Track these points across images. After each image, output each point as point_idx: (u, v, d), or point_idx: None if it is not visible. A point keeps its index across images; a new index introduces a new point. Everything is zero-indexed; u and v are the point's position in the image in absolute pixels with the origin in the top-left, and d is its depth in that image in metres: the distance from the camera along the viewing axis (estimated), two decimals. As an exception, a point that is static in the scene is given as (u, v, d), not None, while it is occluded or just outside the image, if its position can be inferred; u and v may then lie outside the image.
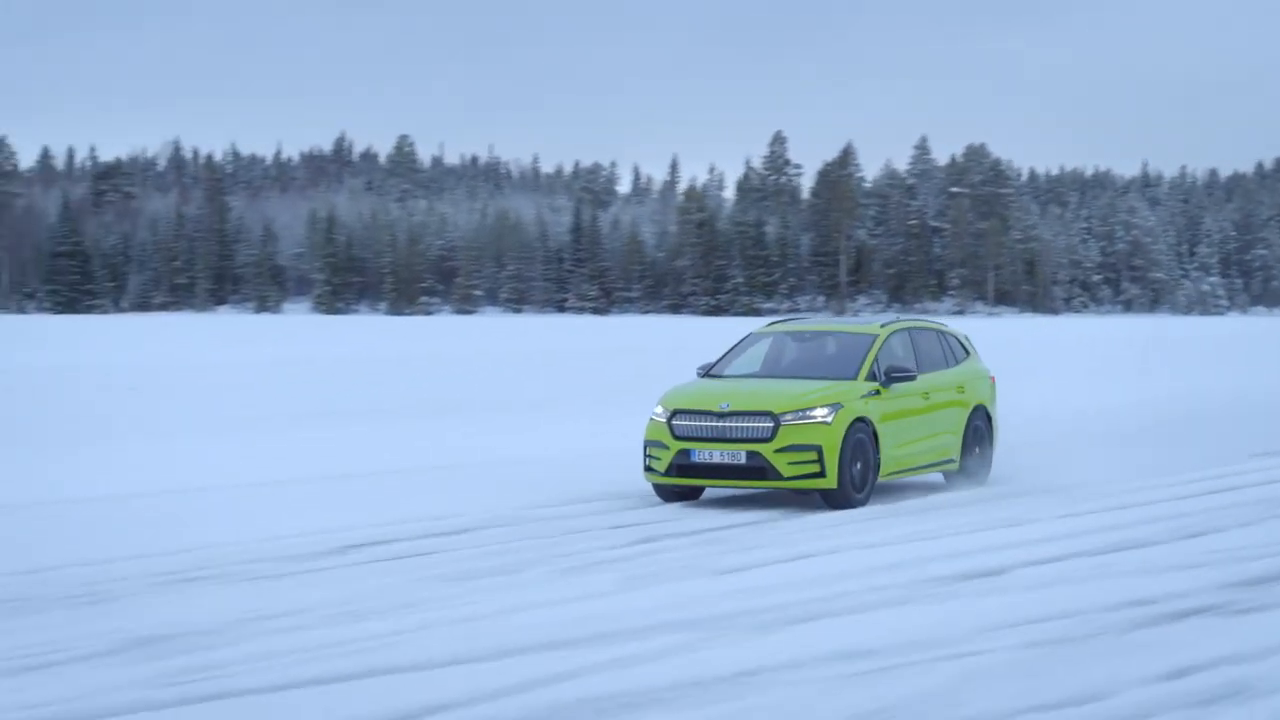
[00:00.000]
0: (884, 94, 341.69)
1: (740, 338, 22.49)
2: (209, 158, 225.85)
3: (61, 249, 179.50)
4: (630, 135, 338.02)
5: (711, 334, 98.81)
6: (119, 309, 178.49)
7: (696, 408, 19.38)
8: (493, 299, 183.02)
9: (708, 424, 19.21)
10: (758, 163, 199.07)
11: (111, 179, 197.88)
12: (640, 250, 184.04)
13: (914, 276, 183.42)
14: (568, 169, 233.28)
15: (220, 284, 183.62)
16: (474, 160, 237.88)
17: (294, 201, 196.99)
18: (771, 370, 20.97)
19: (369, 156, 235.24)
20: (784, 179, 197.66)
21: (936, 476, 22.36)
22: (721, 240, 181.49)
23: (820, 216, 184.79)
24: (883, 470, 19.94)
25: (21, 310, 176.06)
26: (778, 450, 18.97)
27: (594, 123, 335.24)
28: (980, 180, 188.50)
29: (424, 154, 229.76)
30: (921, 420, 20.81)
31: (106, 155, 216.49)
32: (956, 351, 22.34)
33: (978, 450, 22.01)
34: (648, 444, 19.73)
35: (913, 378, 20.45)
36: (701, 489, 20.49)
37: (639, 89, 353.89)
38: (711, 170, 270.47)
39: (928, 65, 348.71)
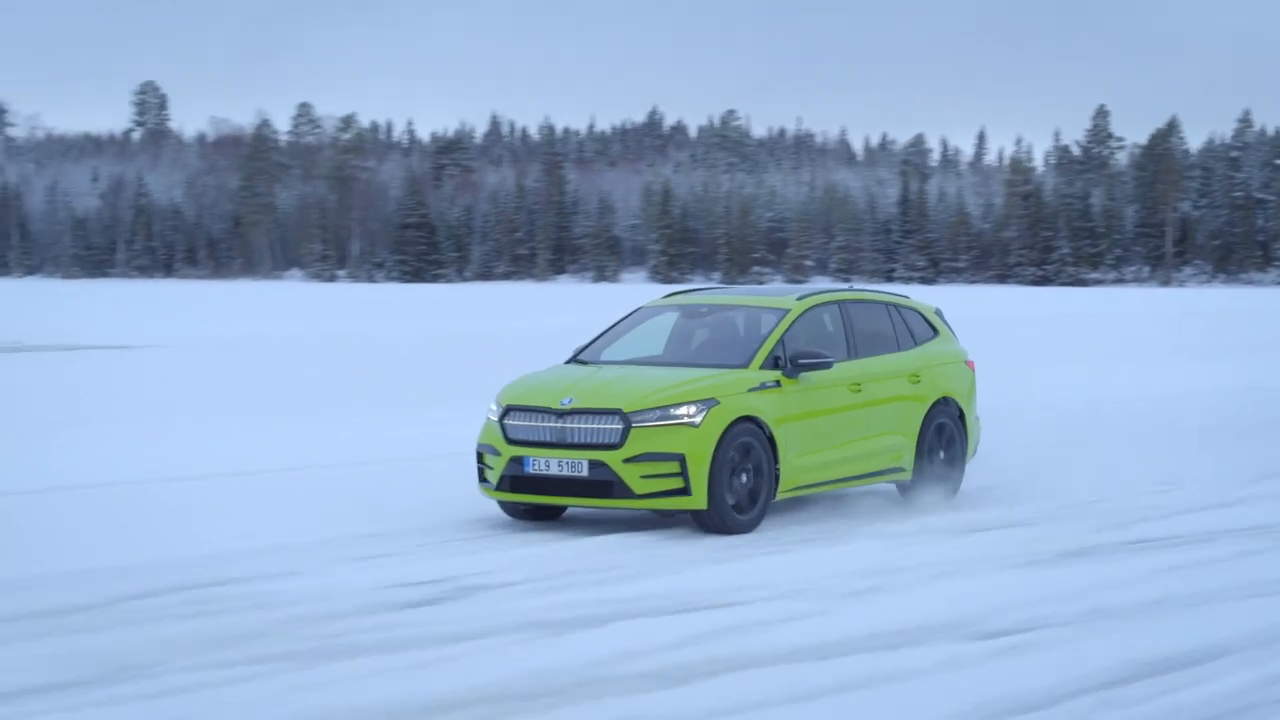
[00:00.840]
0: (1206, 66, 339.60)
1: (630, 311, 18.27)
2: (523, 131, 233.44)
3: (409, 221, 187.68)
4: (934, 106, 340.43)
5: (1038, 303, 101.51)
6: (462, 278, 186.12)
7: (533, 403, 15.67)
8: (823, 269, 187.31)
9: (544, 424, 15.50)
10: (1072, 135, 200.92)
11: (451, 153, 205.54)
12: (966, 221, 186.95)
13: (1239, 248, 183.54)
14: (874, 141, 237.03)
15: (559, 254, 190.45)
16: (782, 132, 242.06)
17: (625, 174, 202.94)
18: (654, 354, 17.21)
19: (680, 129, 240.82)
20: (1106, 151, 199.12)
21: (885, 487, 18.44)
22: (1047, 212, 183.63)
23: (1144, 189, 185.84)
24: (783, 484, 15.95)
25: (370, 279, 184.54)
26: (628, 460, 15.18)
27: (897, 93, 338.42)
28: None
29: (720, 125, 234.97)
30: (848, 419, 16.77)
31: (422, 130, 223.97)
32: (916, 330, 18.15)
33: (941, 455, 17.80)
34: (479, 450, 16.00)
35: (828, 365, 16.27)
36: (564, 506, 16.30)
37: (942, 60, 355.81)
38: (1019, 142, 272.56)
39: (1247, 38, 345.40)
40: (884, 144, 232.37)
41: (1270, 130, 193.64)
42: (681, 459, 15.21)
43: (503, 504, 16.23)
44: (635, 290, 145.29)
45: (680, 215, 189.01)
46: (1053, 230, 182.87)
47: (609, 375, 16.06)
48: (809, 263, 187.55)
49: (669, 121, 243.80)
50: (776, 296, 17.22)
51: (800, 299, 17.06)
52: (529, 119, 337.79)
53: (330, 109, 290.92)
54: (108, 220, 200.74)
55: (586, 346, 17.38)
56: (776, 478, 15.91)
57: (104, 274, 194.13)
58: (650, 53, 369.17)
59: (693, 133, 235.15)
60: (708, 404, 15.46)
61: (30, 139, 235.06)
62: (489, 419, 16.03)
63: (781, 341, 16.39)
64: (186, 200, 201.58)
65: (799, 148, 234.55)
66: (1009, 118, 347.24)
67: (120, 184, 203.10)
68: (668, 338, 17.41)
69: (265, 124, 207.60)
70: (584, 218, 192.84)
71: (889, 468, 17.32)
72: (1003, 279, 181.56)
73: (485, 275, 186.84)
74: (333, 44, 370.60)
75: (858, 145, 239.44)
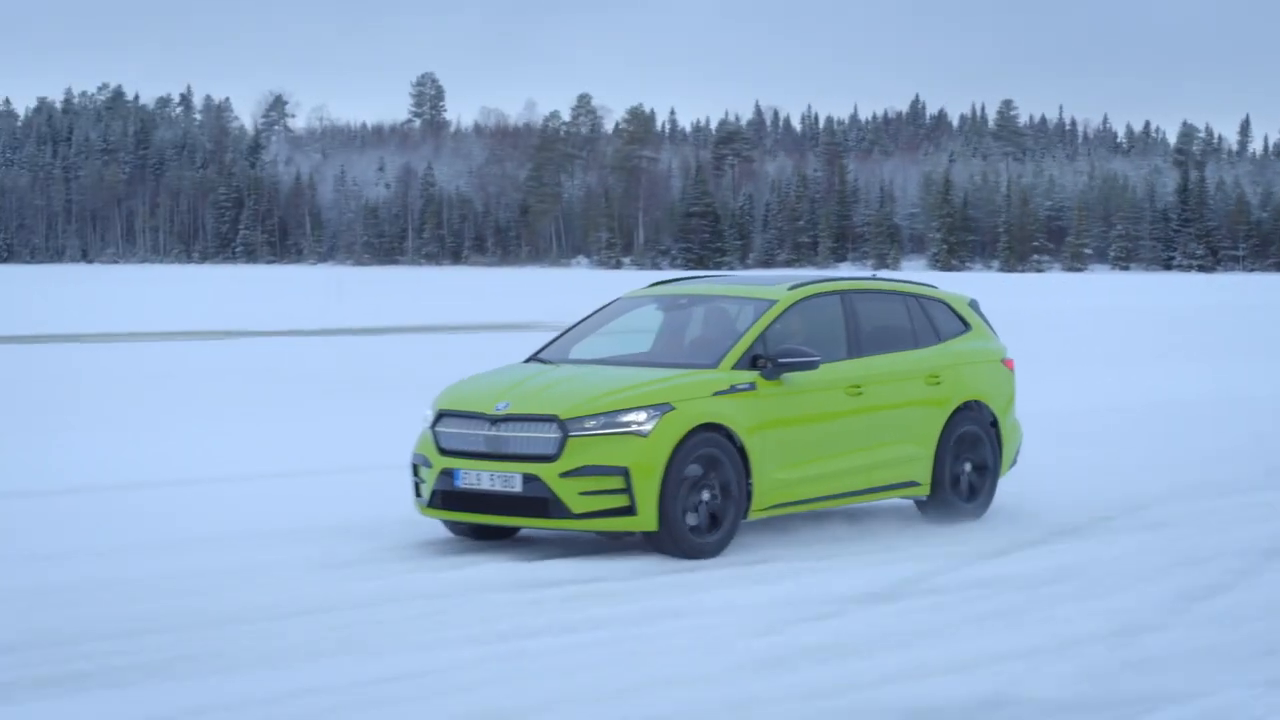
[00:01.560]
0: None
1: (607, 302, 16.04)
2: (786, 120, 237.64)
3: (693, 209, 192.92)
4: (1194, 93, 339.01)
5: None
6: (745, 265, 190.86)
7: (467, 409, 13.70)
8: (1101, 257, 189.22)
9: (477, 432, 13.51)
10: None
11: (731, 143, 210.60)
12: (1245, 209, 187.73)
13: None
14: (1136, 127, 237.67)
15: (840, 242, 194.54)
16: (1043, 120, 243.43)
17: (902, 164, 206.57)
18: (623, 353, 15.03)
19: (941, 118, 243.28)
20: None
21: (900, 502, 15.98)
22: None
23: None
24: (757, 503, 13.79)
25: (656, 265, 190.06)
26: (565, 474, 13.11)
27: (1155, 80, 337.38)
28: None
29: (993, 115, 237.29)
30: (844, 426, 14.52)
31: (683, 119, 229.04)
32: (941, 324, 15.76)
33: (968, 469, 15.41)
34: (413, 462, 14.09)
35: (813, 364, 13.99)
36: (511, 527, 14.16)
37: (1202, 45, 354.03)
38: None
39: None
40: (1147, 131, 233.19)
41: None
42: (626, 473, 13.03)
43: (445, 522, 14.14)
44: (910, 278, 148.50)
45: (961, 204, 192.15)
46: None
47: (557, 376, 13.91)
48: (1088, 250, 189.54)
49: (931, 110, 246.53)
50: (764, 286, 14.87)
51: (792, 289, 14.69)
52: (791, 108, 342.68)
53: (601, 100, 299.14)
54: (397, 209, 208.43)
55: (552, 342, 15.21)
56: (748, 494, 13.65)
57: (394, 261, 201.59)
58: (910, 40, 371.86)
59: (954, 121, 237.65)
60: (660, 410, 13.24)
61: (315, 129, 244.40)
62: (425, 425, 14.01)
63: (762, 338, 14.08)
64: (472, 189, 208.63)
65: (1064, 136, 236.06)
66: (1273, 105, 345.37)
67: (409, 174, 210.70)
68: (655, 335, 15.20)
69: (554, 115, 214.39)
70: (864, 206, 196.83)
71: (899, 482, 14.92)
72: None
73: (767, 262, 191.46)
74: (593, 33, 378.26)
75: (1120, 132, 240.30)
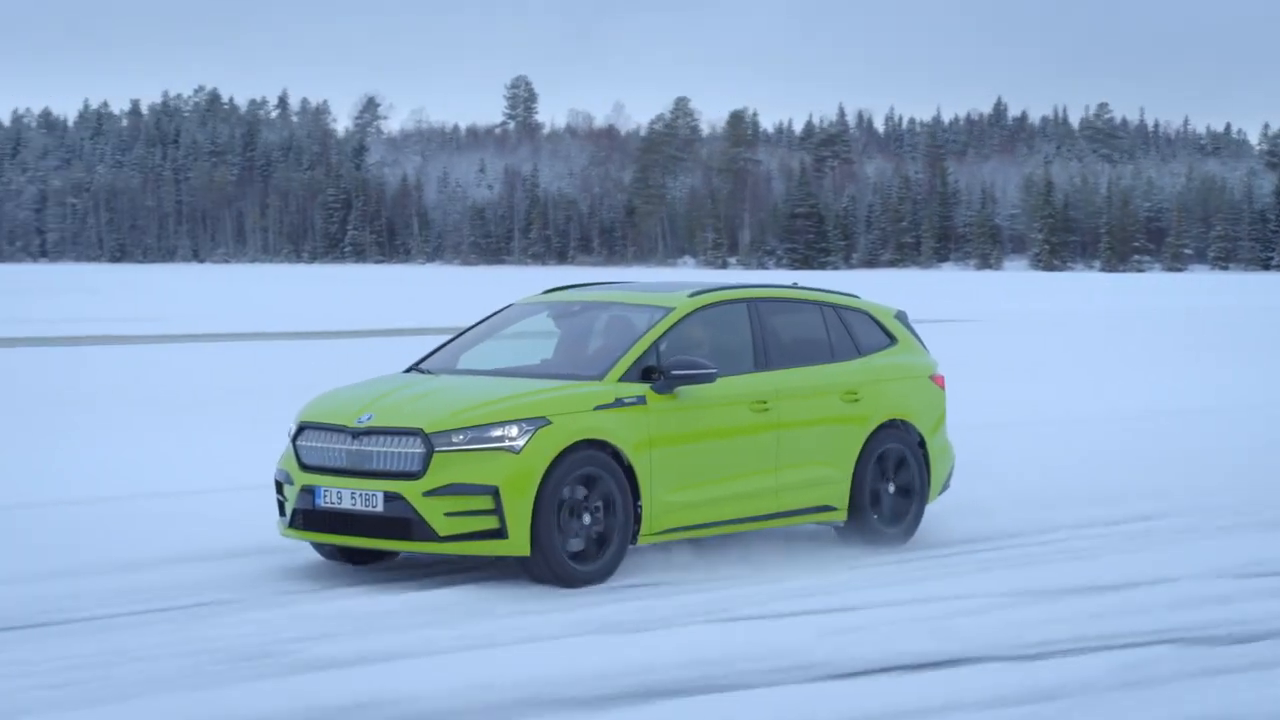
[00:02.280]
0: None
1: (499, 308, 15.08)
2: (869, 122, 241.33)
3: (798, 210, 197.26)
4: (1270, 93, 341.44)
5: None
6: (849, 265, 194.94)
7: (329, 420, 12.75)
8: (1201, 257, 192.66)
9: (338, 446, 12.60)
10: None
11: (831, 145, 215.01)
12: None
13: None
14: (1217, 128, 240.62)
15: (943, 242, 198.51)
16: (1124, 122, 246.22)
17: (1001, 165, 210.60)
18: (505, 364, 13.95)
19: (1022, 119, 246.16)
20: None
21: (814, 527, 14.80)
22: None
23: None
24: (647, 526, 12.83)
25: (761, 265, 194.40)
26: (430, 493, 12.19)
27: (1224, 81, 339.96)
28: None
29: (1074, 117, 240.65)
30: (747, 445, 13.49)
31: (765, 121, 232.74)
32: (862, 337, 14.73)
33: (889, 491, 14.40)
34: (276, 478, 13.09)
35: (708, 378, 12.99)
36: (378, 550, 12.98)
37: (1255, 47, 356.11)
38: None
39: None
40: (1228, 131, 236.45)
41: None
42: (495, 492, 12.08)
43: (311, 544, 13.13)
44: (1014, 278, 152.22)
45: (1062, 205, 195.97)
46: None
47: (429, 387, 12.97)
48: (1188, 250, 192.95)
49: (1013, 112, 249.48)
50: (663, 293, 13.90)
51: (693, 295, 13.73)
52: (873, 110, 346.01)
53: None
54: (502, 210, 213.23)
55: (435, 351, 14.23)
56: (638, 518, 12.69)
57: (500, 261, 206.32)
58: (990, 42, 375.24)
59: (1035, 122, 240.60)
60: (534, 424, 12.25)
61: (410, 131, 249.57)
62: (287, 439, 13.07)
63: (655, 348, 13.11)
64: (575, 190, 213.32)
65: (1149, 138, 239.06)
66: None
67: (512, 175, 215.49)
68: (554, 344, 14.13)
69: (659, 118, 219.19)
70: (965, 207, 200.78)
71: (813, 506, 13.89)
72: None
73: (871, 262, 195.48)
74: (672, 36, 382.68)
75: (1202, 133, 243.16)
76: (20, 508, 15.82)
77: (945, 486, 15.13)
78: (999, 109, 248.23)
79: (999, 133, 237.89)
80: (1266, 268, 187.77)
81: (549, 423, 12.32)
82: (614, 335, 13.60)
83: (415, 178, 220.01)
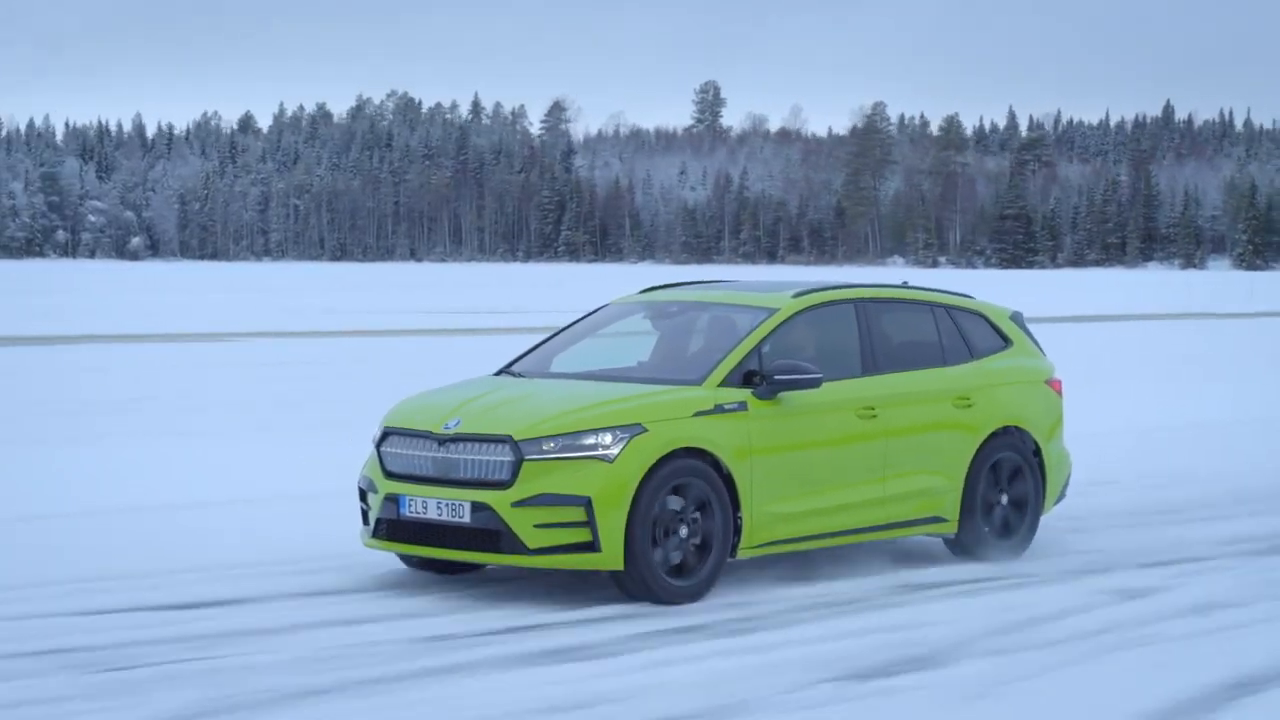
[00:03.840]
0: None
1: (595, 308, 14.57)
2: (1040, 125, 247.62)
3: (1007, 212, 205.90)
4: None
5: None
6: (1056, 265, 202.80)
7: (414, 426, 12.31)
8: None
9: (424, 454, 12.13)
10: None
11: (1033, 149, 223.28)
12: None
13: None
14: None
15: (1147, 243, 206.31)
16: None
17: (1200, 166, 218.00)
18: (600, 366, 13.42)
19: (1187, 121, 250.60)
20: None
21: (925, 540, 14.26)
22: None
23: None
24: (747, 539, 12.26)
25: (971, 265, 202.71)
26: (519, 503, 11.66)
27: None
28: None
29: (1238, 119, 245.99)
30: (854, 453, 12.94)
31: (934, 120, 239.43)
32: (976, 340, 14.11)
33: (1003, 502, 13.82)
34: (360, 486, 12.72)
35: (814, 383, 12.44)
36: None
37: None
38: None
39: None
40: None
41: None
42: (588, 503, 11.58)
43: (399, 555, 12.75)
44: (1214, 276, 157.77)
45: (1265, 206, 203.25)
46: None
47: (520, 391, 12.52)
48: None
49: (1179, 114, 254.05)
50: (766, 293, 13.37)
51: (797, 296, 13.17)
52: (1034, 112, 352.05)
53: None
54: (712, 211, 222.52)
55: (529, 352, 13.76)
56: (737, 530, 12.21)
57: (710, 260, 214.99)
58: (1164, 50, 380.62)
59: (1198, 124, 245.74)
60: (630, 431, 11.76)
61: (607, 134, 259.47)
62: (370, 445, 12.73)
63: (757, 351, 12.55)
64: (782, 192, 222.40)
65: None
66: None
67: (724, 177, 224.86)
68: (652, 346, 13.64)
69: (880, 114, 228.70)
70: (1169, 208, 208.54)
71: (921, 517, 13.37)
72: None
73: (1077, 262, 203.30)
74: (817, 35, 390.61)
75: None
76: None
77: (1061, 496, 14.41)
78: (1167, 111, 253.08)
79: (1172, 135, 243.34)
80: None
81: (645, 430, 11.74)
82: (714, 337, 13.03)
83: (626, 180, 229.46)
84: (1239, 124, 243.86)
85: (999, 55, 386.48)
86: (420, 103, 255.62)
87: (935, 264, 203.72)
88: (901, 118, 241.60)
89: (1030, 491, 13.87)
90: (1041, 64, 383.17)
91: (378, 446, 12.41)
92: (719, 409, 12.10)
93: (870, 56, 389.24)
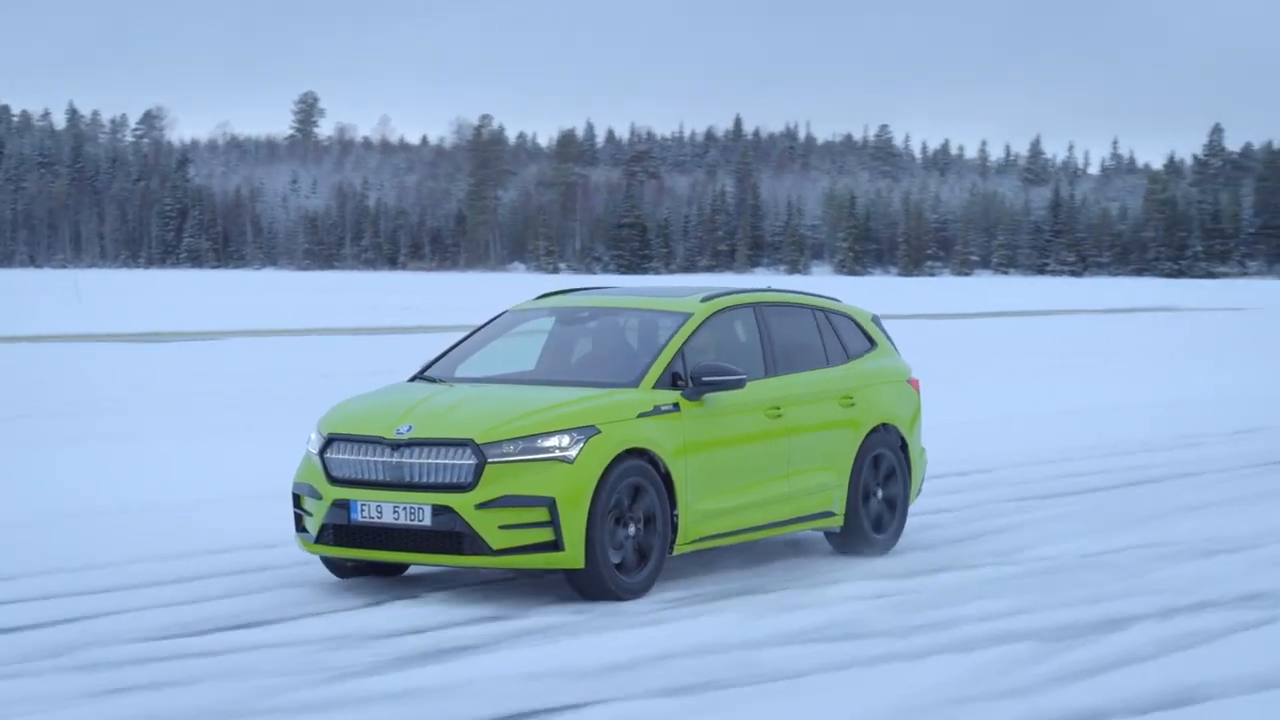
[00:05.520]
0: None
1: (492, 316, 14.48)
2: (647, 136, 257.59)
3: (624, 220, 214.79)
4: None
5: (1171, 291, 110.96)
6: (670, 270, 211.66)
7: (361, 432, 12.23)
8: (985, 264, 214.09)
9: (376, 459, 12.07)
10: (1188, 148, 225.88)
11: (641, 161, 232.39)
12: (1108, 222, 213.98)
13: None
14: (995, 153, 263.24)
15: (755, 250, 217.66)
16: (924, 146, 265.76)
17: (797, 180, 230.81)
18: (520, 370, 13.68)
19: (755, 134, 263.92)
20: (1221, 162, 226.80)
21: (809, 534, 14.72)
22: (1180, 214, 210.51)
23: (1269, 196, 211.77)
24: (682, 536, 12.56)
25: (589, 270, 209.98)
26: (483, 505, 11.73)
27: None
28: None
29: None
30: (766, 451, 13.31)
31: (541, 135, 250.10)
32: (849, 341, 14.64)
33: (878, 495, 14.30)
34: (295, 492, 12.57)
35: (739, 383, 12.77)
36: (403, 564, 12.74)
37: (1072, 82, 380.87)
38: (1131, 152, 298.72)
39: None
40: (1008, 156, 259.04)
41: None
42: (552, 504, 11.67)
43: (325, 559, 12.66)
44: (819, 281, 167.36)
45: (864, 216, 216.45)
46: (1186, 231, 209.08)
47: (460, 395, 12.56)
48: (974, 257, 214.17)
49: (747, 129, 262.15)
50: (675, 298, 13.67)
51: (706, 300, 13.49)
52: (616, 122, 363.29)
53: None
54: (334, 218, 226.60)
55: (435, 361, 13.73)
56: (674, 527, 12.43)
57: (333, 266, 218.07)
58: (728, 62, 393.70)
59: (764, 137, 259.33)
60: (586, 433, 11.89)
61: (218, 142, 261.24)
62: (308, 451, 12.58)
63: (681, 354, 12.86)
64: (396, 199, 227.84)
65: (939, 159, 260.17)
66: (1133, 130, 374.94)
67: (344, 185, 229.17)
68: (541, 350, 13.88)
69: (481, 129, 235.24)
70: (773, 218, 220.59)
71: (816, 512, 13.76)
72: (1140, 273, 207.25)
73: (689, 268, 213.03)
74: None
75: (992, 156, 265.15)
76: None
77: (919, 491, 14.99)
78: (738, 124, 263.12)
79: (738, 146, 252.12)
80: (1041, 272, 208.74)
81: (599, 431, 11.95)
82: (634, 342, 13.36)
83: (248, 188, 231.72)
84: (802, 136, 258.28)
85: (582, 68, 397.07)
86: (8, 108, 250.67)
87: (556, 270, 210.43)
88: (514, 132, 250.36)
89: (900, 486, 14.48)
90: (603, 73, 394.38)
91: (320, 453, 12.36)
92: (657, 410, 12.45)
93: (463, 68, 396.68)
